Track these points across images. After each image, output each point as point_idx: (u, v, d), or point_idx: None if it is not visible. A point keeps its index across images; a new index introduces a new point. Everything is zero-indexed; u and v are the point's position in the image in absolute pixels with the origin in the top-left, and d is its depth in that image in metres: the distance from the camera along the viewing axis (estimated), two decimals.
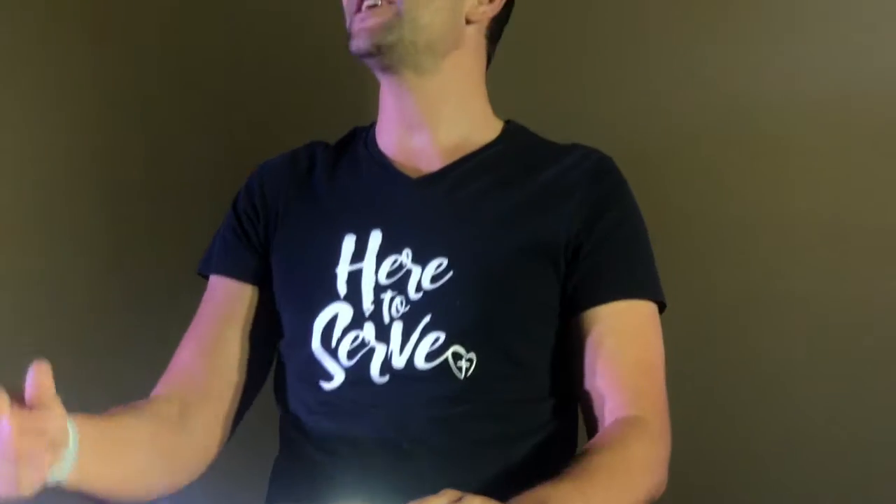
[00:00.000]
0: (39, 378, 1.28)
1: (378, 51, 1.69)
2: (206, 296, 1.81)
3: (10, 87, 3.00)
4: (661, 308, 1.73)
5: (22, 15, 2.99)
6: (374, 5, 1.69)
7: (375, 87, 1.82)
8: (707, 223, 3.09)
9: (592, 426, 1.67)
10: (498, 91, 1.88)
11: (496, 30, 1.83)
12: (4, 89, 3.00)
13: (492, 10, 1.79)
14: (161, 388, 1.72)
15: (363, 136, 1.82)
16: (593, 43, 3.12)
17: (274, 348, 1.77)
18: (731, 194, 3.17)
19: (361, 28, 1.70)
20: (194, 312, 1.86)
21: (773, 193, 3.19)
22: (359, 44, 1.70)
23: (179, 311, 1.92)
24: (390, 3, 1.69)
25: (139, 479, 1.59)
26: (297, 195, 1.78)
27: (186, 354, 1.76)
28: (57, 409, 1.31)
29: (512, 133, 1.81)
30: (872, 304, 3.08)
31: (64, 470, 1.37)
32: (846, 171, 3.14)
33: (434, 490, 1.31)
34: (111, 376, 3.04)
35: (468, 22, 1.77)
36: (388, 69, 1.72)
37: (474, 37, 1.79)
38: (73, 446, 1.38)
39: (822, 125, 3.14)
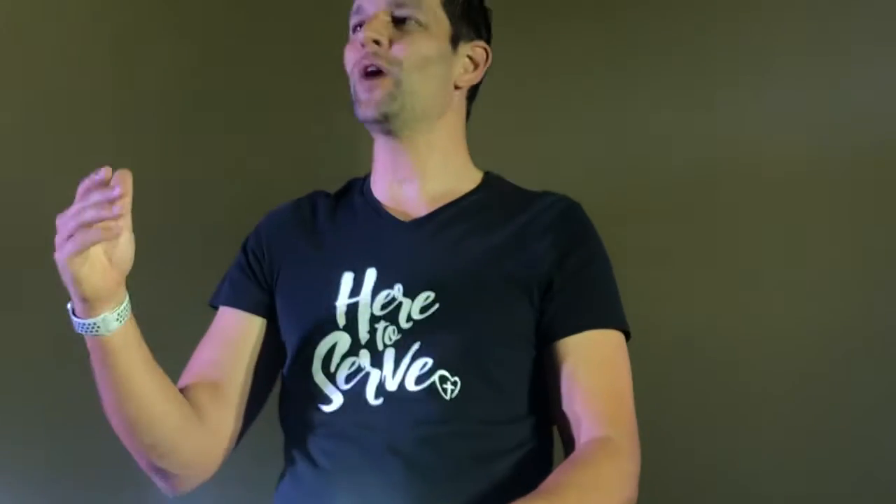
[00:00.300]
0: (125, 181, 1.38)
1: (384, 118, 1.73)
2: (214, 323, 1.83)
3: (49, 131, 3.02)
4: (627, 336, 1.75)
5: (53, 71, 3.03)
6: (376, 72, 1.73)
7: (366, 142, 1.85)
8: (665, 259, 3.14)
9: (568, 446, 1.68)
10: (478, 143, 1.90)
11: (475, 92, 1.88)
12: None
13: (475, 77, 1.84)
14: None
15: (359, 185, 1.85)
16: (565, 102, 3.17)
17: (274, 375, 1.80)
18: (685, 235, 3.23)
19: (368, 99, 1.73)
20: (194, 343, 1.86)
21: (723, 233, 3.25)
22: (366, 113, 1.74)
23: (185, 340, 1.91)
24: (389, 71, 1.73)
25: (158, 419, 1.61)
26: (302, 238, 1.81)
27: (189, 381, 1.76)
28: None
29: (490, 182, 1.85)
30: (811, 329, 3.14)
31: (114, 319, 1.46)
32: (785, 216, 3.20)
33: None
34: None
35: (456, 87, 1.82)
36: (388, 133, 1.77)
37: (459, 98, 1.84)
38: (125, 308, 1.48)
39: (757, 176, 3.20)
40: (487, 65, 1.85)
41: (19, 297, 3.01)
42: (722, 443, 3.21)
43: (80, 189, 1.42)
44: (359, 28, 1.76)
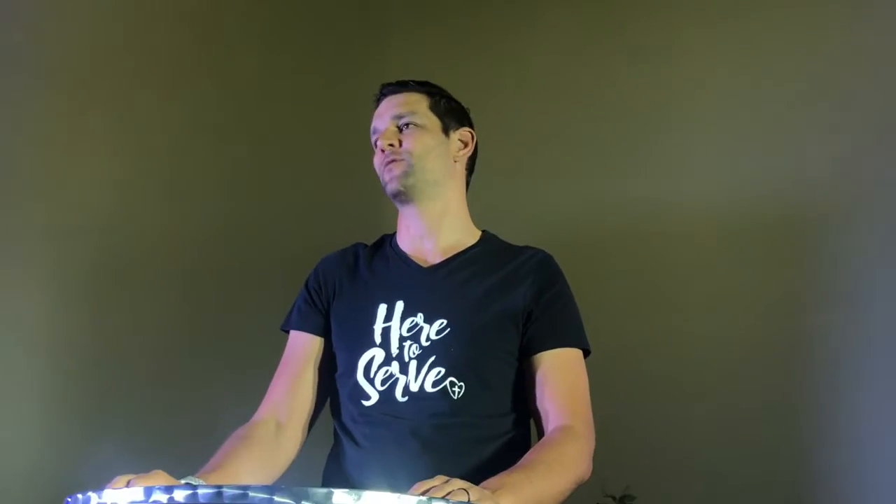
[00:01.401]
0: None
1: (404, 189, 1.84)
2: (288, 345, 1.88)
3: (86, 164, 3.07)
4: (587, 353, 1.83)
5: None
6: (394, 160, 1.83)
7: (390, 214, 1.94)
8: (620, 293, 3.27)
9: (541, 433, 1.76)
10: (475, 206, 1.99)
11: (471, 164, 1.96)
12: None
13: (468, 151, 1.93)
14: (260, 413, 1.81)
15: (389, 239, 1.94)
16: (540, 174, 3.30)
17: (333, 378, 1.85)
18: (643, 275, 3.36)
19: (392, 177, 1.84)
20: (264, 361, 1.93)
21: (667, 271, 3.38)
22: (391, 188, 1.85)
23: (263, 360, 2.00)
24: (405, 159, 1.83)
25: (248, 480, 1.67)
26: (347, 278, 1.88)
27: (278, 390, 1.83)
28: None
29: (486, 239, 1.92)
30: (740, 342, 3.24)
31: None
32: (721, 251, 3.33)
33: (433, 475, 1.41)
34: (203, 402, 3.16)
35: (455, 161, 1.90)
36: (408, 202, 1.86)
37: (459, 171, 1.92)
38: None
39: (706, 220, 3.32)
40: (474, 142, 1.92)
41: None
42: (658, 427, 3.37)
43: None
44: (377, 140, 1.86)
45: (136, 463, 1.52)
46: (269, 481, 1.73)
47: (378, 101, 1.91)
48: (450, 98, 1.93)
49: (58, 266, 4.23)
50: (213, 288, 3.61)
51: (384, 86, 1.91)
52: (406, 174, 1.83)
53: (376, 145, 1.87)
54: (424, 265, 1.87)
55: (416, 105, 1.87)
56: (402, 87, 1.90)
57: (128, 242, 4.01)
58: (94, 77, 3.69)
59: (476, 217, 1.96)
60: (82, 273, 4.20)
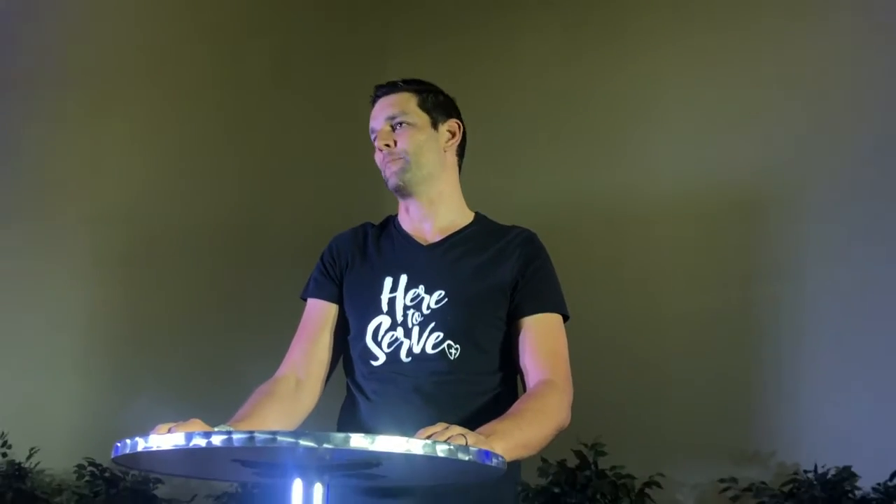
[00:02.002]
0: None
1: (403, 184, 1.83)
2: (306, 312, 1.88)
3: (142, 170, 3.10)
4: (566, 318, 1.82)
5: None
6: (392, 160, 1.82)
7: (391, 196, 1.93)
8: (597, 268, 3.31)
9: (525, 386, 1.77)
10: (467, 188, 1.97)
11: (461, 151, 1.92)
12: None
13: (456, 141, 1.89)
14: (282, 371, 1.82)
15: (393, 220, 1.92)
16: (527, 163, 3.32)
17: (345, 341, 1.85)
18: (613, 252, 3.40)
19: (391, 173, 1.83)
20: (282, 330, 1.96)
21: (641, 248, 3.42)
22: (392, 183, 1.84)
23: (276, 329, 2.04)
24: (402, 157, 1.82)
25: (273, 428, 1.68)
26: (358, 253, 1.87)
27: (297, 350, 1.83)
28: None
29: (479, 220, 1.91)
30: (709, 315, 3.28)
31: None
32: (683, 232, 3.37)
33: (434, 423, 1.44)
34: (230, 361, 3.17)
35: (445, 151, 1.87)
36: (408, 194, 1.85)
37: (450, 159, 1.89)
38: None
39: (673, 205, 3.36)
40: (461, 131, 1.89)
41: None
42: (627, 386, 3.42)
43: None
44: (375, 139, 1.85)
45: (170, 415, 1.53)
46: (287, 425, 1.75)
47: (373, 101, 1.89)
48: (437, 92, 1.90)
49: (94, 247, 4.28)
50: (232, 263, 3.64)
51: (377, 87, 1.89)
52: (404, 170, 1.83)
53: (374, 140, 1.87)
54: (424, 243, 1.87)
55: (406, 105, 1.85)
56: (392, 87, 1.88)
57: (155, 225, 4.06)
58: (121, 81, 3.72)
59: (469, 200, 1.96)
60: (116, 253, 4.25)
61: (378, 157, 1.87)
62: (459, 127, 1.90)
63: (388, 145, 1.83)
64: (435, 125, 1.87)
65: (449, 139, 1.88)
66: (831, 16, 3.52)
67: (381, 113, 1.86)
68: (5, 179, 4.24)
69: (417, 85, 1.89)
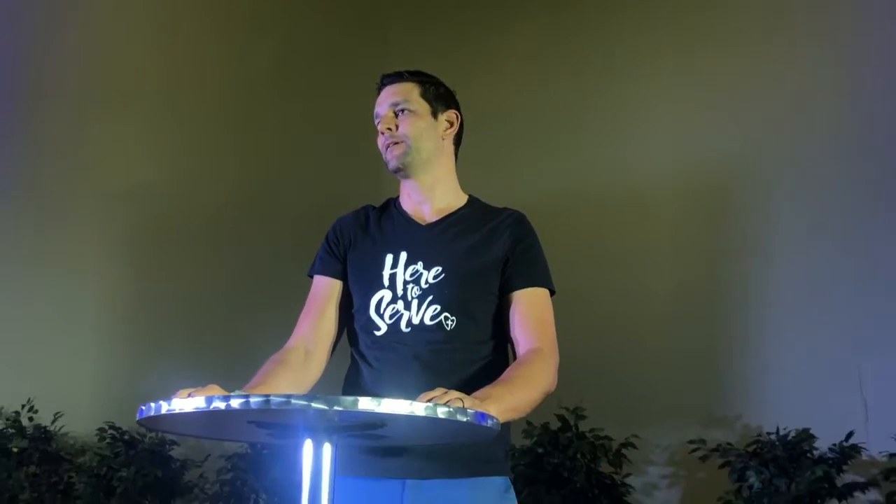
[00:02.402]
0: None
1: (403, 167, 1.84)
2: (313, 288, 1.88)
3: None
4: (553, 293, 1.83)
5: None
6: (394, 143, 1.83)
7: (390, 180, 1.93)
8: (582, 247, 3.31)
9: (516, 354, 1.78)
10: (462, 175, 1.97)
11: (458, 139, 1.92)
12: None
13: (454, 130, 1.89)
14: (291, 342, 1.82)
15: (393, 202, 1.92)
16: (517, 150, 3.32)
17: (349, 314, 1.85)
18: (596, 232, 3.40)
19: (392, 157, 1.83)
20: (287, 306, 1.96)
21: (622, 228, 3.42)
22: (393, 164, 1.84)
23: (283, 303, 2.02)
24: (403, 141, 1.82)
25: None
26: (360, 233, 1.88)
27: (305, 323, 1.84)
28: None
29: (472, 202, 1.91)
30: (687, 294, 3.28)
31: None
32: (657, 212, 3.38)
33: (432, 388, 1.46)
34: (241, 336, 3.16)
35: (443, 139, 1.87)
36: (407, 176, 1.86)
37: (447, 147, 1.89)
38: None
39: (651, 188, 3.36)
40: (459, 121, 1.89)
41: None
42: (605, 355, 3.44)
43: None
44: (378, 124, 1.86)
45: (186, 383, 1.52)
46: (297, 391, 1.75)
47: (379, 89, 1.90)
48: (438, 84, 1.90)
49: (115, 223, 4.28)
50: (246, 241, 3.64)
51: (384, 76, 1.90)
52: (404, 154, 1.83)
53: (377, 125, 1.88)
54: (423, 223, 1.87)
55: (410, 93, 1.85)
56: (398, 77, 1.88)
57: (174, 202, 4.06)
58: (129, 66, 3.69)
59: (464, 184, 1.97)
60: (130, 227, 4.26)
61: (380, 140, 1.87)
62: (457, 117, 1.90)
63: (390, 129, 1.84)
64: (435, 114, 1.87)
65: (447, 128, 1.88)
66: (802, 13, 3.54)
67: (386, 100, 1.87)
68: (29, 161, 4.25)
69: (421, 76, 1.89)
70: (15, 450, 4.00)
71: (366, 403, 1.24)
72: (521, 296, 1.79)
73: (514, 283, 1.80)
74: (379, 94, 1.90)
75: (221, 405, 1.28)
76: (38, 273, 4.24)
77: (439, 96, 1.89)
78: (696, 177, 3.58)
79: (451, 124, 1.89)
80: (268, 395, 1.27)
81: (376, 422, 1.31)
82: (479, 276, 1.80)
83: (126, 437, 4.08)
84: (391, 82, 1.88)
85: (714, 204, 3.62)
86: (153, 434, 4.06)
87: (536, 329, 1.76)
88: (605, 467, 3.73)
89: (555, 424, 3.68)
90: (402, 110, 1.84)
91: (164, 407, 1.34)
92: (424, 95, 1.86)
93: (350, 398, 1.25)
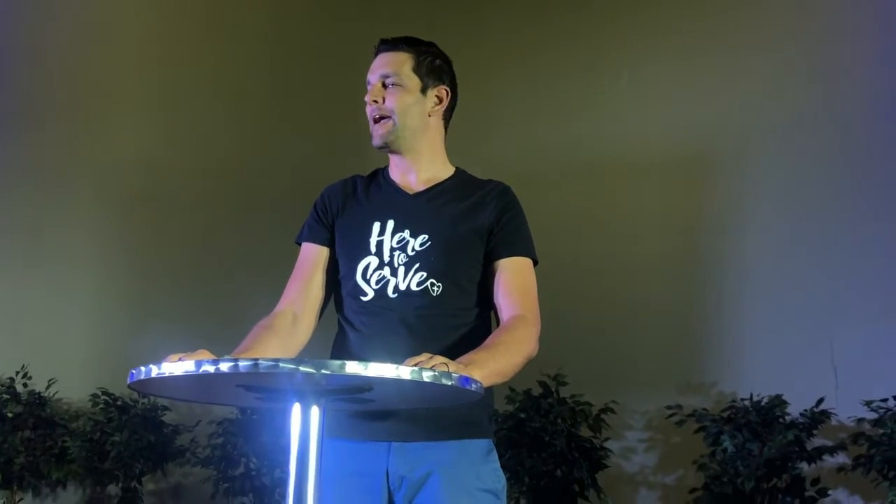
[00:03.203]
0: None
1: (387, 144, 1.82)
2: (301, 254, 1.86)
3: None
4: (535, 262, 1.83)
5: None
6: (379, 118, 1.80)
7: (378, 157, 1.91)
8: (564, 217, 3.31)
9: (499, 321, 1.78)
10: (451, 148, 1.95)
11: (448, 115, 1.88)
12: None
13: (442, 107, 1.85)
14: (280, 307, 1.81)
15: (382, 171, 1.91)
16: (501, 125, 3.30)
17: (336, 280, 1.84)
18: (579, 203, 3.40)
19: (377, 134, 1.81)
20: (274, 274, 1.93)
21: (602, 200, 3.42)
22: (377, 142, 1.82)
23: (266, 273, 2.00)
24: (389, 116, 1.80)
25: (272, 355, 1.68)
26: (348, 201, 1.86)
27: (293, 289, 1.83)
28: None
29: (459, 173, 1.89)
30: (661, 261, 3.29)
31: None
32: (640, 184, 3.38)
33: (418, 353, 1.46)
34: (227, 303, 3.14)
35: (430, 115, 1.84)
36: (392, 151, 1.84)
37: (435, 122, 1.86)
38: None
39: (633, 161, 3.36)
40: (448, 98, 1.85)
41: None
42: (587, 323, 3.45)
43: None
44: (369, 91, 1.83)
45: (177, 348, 1.51)
46: (286, 355, 1.74)
47: (375, 53, 1.85)
48: (435, 56, 1.85)
49: (104, 191, 4.25)
50: (234, 208, 3.63)
51: (381, 41, 1.85)
52: (389, 133, 1.81)
53: (366, 98, 1.85)
54: (410, 192, 1.86)
55: (401, 66, 1.81)
56: (394, 45, 1.83)
57: (163, 169, 4.04)
58: (128, 43, 3.65)
59: (452, 154, 1.94)
60: (123, 197, 4.23)
61: (368, 110, 1.84)
62: (447, 93, 1.86)
63: (376, 101, 1.81)
64: (424, 90, 1.83)
65: (435, 104, 1.84)
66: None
67: (378, 69, 1.83)
68: (24, 133, 4.21)
69: (418, 46, 1.84)
70: (10, 414, 3.99)
71: (353, 367, 1.24)
72: (505, 264, 1.79)
73: (498, 253, 1.80)
74: (374, 58, 1.85)
75: (211, 369, 1.27)
76: (31, 242, 4.21)
77: (432, 70, 1.84)
78: (678, 148, 3.59)
79: (441, 100, 1.85)
80: (256, 359, 1.26)
81: (363, 385, 1.30)
82: (464, 244, 1.79)
83: (119, 402, 4.07)
84: (386, 50, 1.84)
85: (695, 176, 3.63)
86: (146, 399, 4.06)
87: (520, 297, 1.76)
88: (584, 432, 3.76)
89: (537, 390, 3.70)
90: (392, 84, 1.81)
91: (155, 371, 1.33)
92: (417, 70, 1.82)
93: (337, 362, 1.25)
